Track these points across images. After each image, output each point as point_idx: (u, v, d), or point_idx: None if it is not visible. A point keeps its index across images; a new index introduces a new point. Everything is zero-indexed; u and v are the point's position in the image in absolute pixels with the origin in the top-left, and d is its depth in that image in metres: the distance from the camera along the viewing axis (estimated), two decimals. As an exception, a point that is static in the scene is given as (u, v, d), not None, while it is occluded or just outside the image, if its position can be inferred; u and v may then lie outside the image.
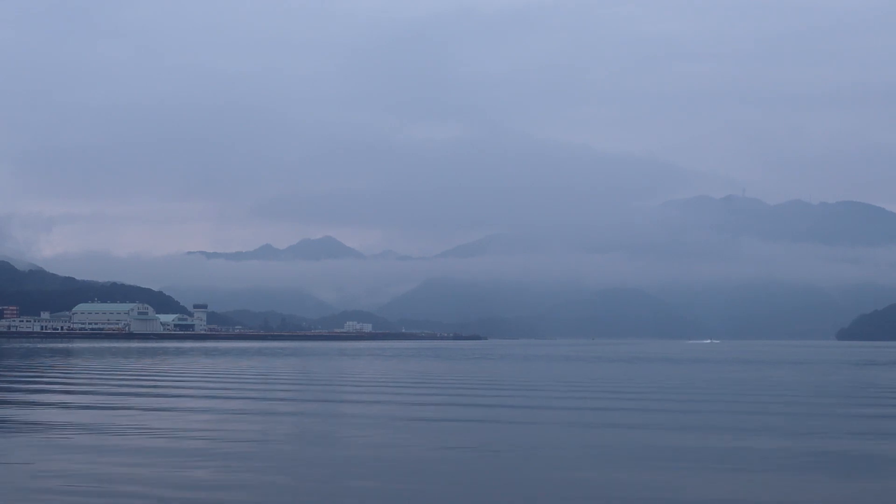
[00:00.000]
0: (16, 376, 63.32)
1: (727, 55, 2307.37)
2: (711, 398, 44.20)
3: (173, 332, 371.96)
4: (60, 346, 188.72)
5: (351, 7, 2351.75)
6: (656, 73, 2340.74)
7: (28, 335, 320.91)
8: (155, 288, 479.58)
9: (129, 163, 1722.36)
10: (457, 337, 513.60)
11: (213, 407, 33.90)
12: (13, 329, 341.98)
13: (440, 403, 37.53)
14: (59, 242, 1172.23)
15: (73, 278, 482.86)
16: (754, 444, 25.52)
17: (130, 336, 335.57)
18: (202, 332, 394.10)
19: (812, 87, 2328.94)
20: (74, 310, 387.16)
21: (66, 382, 54.00)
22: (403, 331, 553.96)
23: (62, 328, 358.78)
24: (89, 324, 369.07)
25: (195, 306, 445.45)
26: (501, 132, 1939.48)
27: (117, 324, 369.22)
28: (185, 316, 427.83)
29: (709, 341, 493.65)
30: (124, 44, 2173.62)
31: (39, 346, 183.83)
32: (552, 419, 31.52)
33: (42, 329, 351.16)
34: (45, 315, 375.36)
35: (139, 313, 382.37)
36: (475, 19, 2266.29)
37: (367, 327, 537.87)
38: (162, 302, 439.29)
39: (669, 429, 29.07)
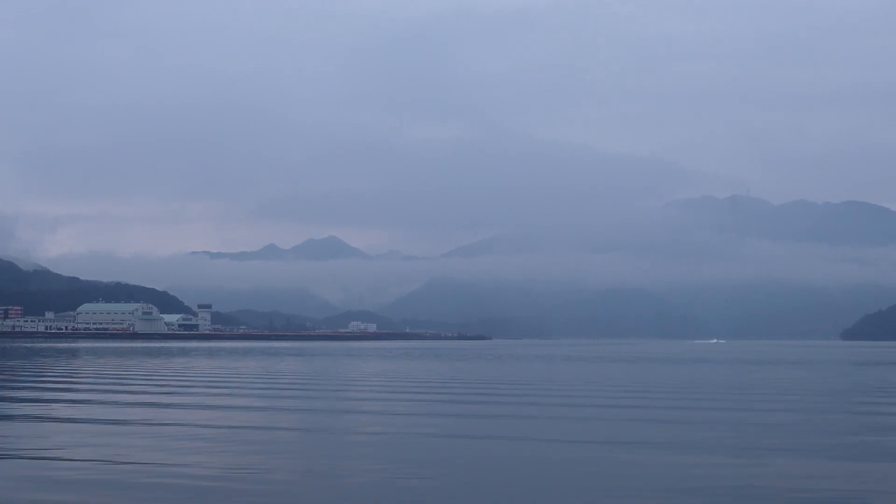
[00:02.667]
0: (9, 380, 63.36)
1: (728, 55, 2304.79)
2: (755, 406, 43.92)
3: (178, 332, 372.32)
4: (64, 346, 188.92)
5: (351, 7, 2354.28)
6: (657, 73, 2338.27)
7: (32, 335, 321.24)
8: (159, 288, 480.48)
9: (131, 163, 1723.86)
10: (461, 337, 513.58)
11: (210, 421, 33.15)
12: (17, 329, 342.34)
13: (447, 414, 37.11)
14: (63, 242, 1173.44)
15: (78, 278, 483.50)
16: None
17: (135, 336, 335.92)
18: (206, 332, 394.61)
19: (814, 87, 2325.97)
20: (79, 310, 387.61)
21: (60, 388, 54.03)
22: (408, 331, 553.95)
23: (66, 328, 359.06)
24: (94, 324, 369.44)
25: (199, 306, 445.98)
26: (502, 132, 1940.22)
27: (122, 324, 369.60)
28: (190, 316, 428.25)
29: (715, 341, 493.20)
30: (125, 44, 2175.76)
31: (44, 346, 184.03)
32: (566, 436, 30.50)
33: (46, 329, 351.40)
34: (49, 315, 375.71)
35: (143, 313, 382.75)
36: (475, 19, 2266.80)
37: (372, 327, 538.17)
38: (166, 302, 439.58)
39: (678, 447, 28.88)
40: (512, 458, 23.34)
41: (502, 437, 27.56)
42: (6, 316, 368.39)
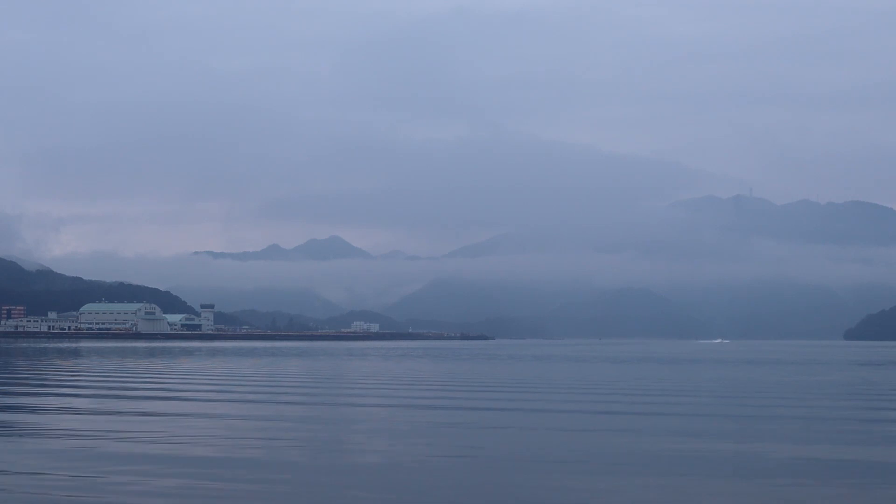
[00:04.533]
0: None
1: (731, 56, 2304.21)
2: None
3: (180, 332, 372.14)
4: (66, 345, 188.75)
5: (355, 6, 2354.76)
6: (660, 74, 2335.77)
7: (35, 335, 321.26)
8: (162, 288, 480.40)
9: (134, 163, 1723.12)
10: (464, 337, 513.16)
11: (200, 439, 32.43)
12: (20, 329, 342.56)
13: (449, 422, 36.63)
14: (66, 243, 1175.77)
15: (81, 278, 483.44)
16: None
17: (138, 336, 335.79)
18: (209, 332, 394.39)
19: (817, 87, 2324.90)
20: (82, 310, 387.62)
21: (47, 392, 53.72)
22: (411, 331, 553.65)
23: (69, 328, 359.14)
24: (97, 324, 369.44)
25: (202, 306, 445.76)
26: (506, 132, 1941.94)
27: (124, 324, 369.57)
28: (193, 316, 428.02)
29: (719, 341, 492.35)
30: (125, 43, 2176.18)
31: (46, 346, 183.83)
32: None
33: (49, 329, 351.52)
34: (52, 315, 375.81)
35: (146, 313, 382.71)
36: (479, 19, 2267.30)
37: (375, 327, 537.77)
38: (169, 302, 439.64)
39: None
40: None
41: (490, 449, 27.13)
42: (9, 316, 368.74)
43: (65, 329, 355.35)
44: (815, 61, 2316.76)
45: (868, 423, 34.05)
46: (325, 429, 30.80)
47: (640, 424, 31.88)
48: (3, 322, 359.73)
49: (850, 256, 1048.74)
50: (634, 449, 25.15)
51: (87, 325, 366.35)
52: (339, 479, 20.67)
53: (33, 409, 36.45)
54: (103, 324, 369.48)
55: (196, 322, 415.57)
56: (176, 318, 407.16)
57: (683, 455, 24.07)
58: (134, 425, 30.64)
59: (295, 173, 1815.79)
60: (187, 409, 37.19)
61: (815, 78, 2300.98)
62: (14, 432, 28.83)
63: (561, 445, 26.10)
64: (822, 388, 55.22)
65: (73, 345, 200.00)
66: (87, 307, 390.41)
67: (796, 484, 20.28)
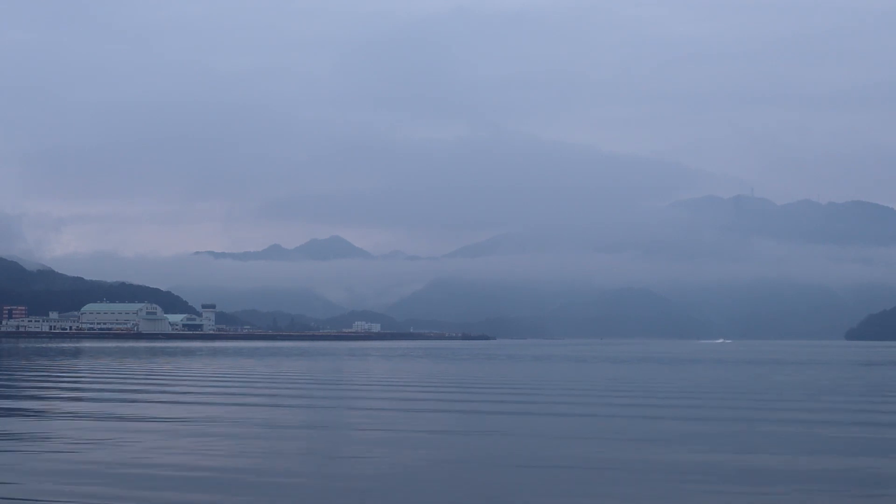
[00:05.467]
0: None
1: (732, 56, 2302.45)
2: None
3: (182, 333, 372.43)
4: (68, 345, 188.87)
5: (356, 6, 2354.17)
6: (661, 74, 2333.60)
7: (36, 335, 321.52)
8: (163, 288, 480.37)
9: (135, 163, 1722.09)
10: (465, 337, 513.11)
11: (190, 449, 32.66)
12: (21, 329, 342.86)
13: (450, 425, 36.77)
14: (67, 243, 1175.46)
15: (82, 278, 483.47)
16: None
17: (139, 336, 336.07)
18: (211, 332, 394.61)
19: (818, 87, 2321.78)
20: (83, 310, 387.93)
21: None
22: (412, 331, 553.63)
23: (70, 328, 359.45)
24: (98, 324, 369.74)
25: (203, 306, 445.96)
26: (507, 132, 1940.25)
27: (126, 324, 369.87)
28: (194, 316, 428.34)
29: (721, 341, 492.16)
30: (126, 43, 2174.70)
31: (48, 346, 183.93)
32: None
33: (50, 329, 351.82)
34: (53, 315, 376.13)
35: (147, 313, 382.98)
36: (479, 19, 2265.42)
37: (376, 327, 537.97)
38: (170, 302, 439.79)
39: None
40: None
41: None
42: (10, 316, 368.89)
43: (66, 329, 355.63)
44: (815, 61, 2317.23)
45: (870, 425, 34.20)
46: (325, 433, 30.97)
47: (643, 427, 32.05)
48: (4, 322, 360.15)
49: (851, 256, 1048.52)
50: (635, 452, 25.31)
51: (89, 325, 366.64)
52: (339, 485, 20.87)
53: (37, 413, 36.63)
54: (104, 324, 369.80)
55: (197, 322, 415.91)
56: (177, 318, 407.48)
57: (683, 458, 24.23)
58: (137, 427, 30.84)
59: (295, 173, 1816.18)
60: (189, 412, 37.37)
61: (815, 78, 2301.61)
62: (12, 437, 29.01)
63: (561, 449, 26.25)
64: (827, 387, 55.36)
65: (75, 345, 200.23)
66: (88, 307, 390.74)
67: (797, 489, 20.44)
